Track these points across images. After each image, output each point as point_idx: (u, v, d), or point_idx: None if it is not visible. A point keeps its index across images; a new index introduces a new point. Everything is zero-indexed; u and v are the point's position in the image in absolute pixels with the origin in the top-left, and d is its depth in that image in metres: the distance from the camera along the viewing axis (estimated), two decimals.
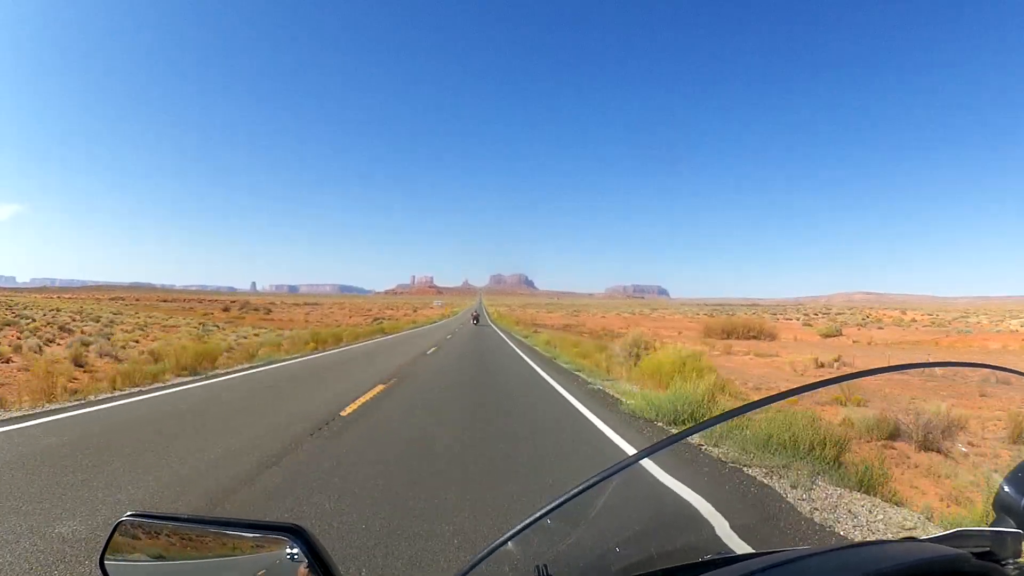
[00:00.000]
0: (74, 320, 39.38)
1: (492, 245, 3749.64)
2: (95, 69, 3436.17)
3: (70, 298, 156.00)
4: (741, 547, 3.30)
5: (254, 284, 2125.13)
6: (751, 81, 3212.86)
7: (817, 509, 4.18)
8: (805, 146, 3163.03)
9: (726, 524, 3.75)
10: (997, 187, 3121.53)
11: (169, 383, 10.41)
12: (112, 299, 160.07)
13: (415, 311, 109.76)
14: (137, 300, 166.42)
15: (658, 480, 4.65)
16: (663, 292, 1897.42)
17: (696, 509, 4.07)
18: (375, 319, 63.00)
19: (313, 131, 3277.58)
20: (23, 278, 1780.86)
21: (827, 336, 36.45)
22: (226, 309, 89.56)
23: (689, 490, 4.37)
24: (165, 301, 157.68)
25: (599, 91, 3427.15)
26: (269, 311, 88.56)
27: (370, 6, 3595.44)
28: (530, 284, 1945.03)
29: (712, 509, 4.03)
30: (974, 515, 3.78)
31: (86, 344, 19.31)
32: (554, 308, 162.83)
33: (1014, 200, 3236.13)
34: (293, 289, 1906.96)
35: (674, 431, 6.07)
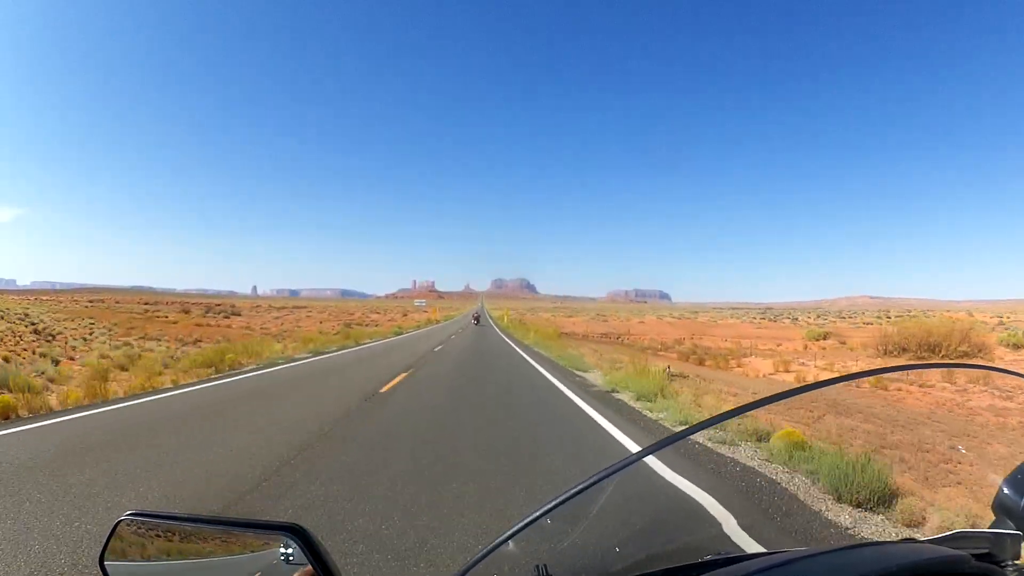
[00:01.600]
0: None
1: (493, 250, 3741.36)
2: (96, 72, 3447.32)
3: (47, 300, 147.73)
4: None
5: (255, 288, 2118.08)
6: (753, 85, 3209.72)
7: None
8: (805, 150, 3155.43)
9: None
10: (999, 189, 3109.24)
11: None
12: (91, 301, 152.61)
13: (404, 315, 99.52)
14: (117, 303, 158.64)
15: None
16: (664, 296, 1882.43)
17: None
18: (346, 324, 52.47)
19: (314, 136, 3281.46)
20: (24, 281, 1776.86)
21: (1018, 347, 26.13)
22: (186, 311, 79.50)
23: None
24: (147, 304, 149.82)
25: (600, 95, 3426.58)
26: (231, 315, 78.28)
27: (371, 12, 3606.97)
28: (531, 288, 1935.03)
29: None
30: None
31: None
32: (573, 312, 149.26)
33: (1016, 202, 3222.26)
34: (294, 293, 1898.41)
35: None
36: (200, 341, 26.00)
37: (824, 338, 31.41)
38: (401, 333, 40.11)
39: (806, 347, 26.43)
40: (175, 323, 48.71)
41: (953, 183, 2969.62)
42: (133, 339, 27.70)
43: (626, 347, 25.30)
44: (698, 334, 42.39)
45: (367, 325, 56.75)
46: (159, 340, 26.33)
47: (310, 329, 45.40)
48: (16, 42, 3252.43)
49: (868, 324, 51.00)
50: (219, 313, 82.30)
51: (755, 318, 76.11)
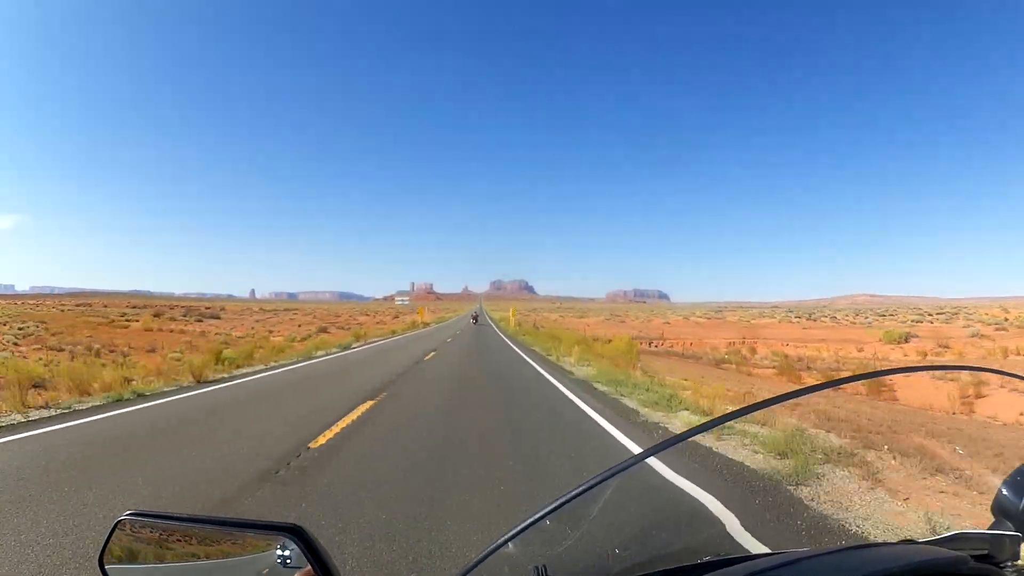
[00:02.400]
0: None
1: (491, 252, 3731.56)
2: (94, 77, 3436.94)
3: (32, 303, 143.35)
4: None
5: (253, 292, 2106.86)
6: (751, 85, 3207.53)
7: None
8: (804, 148, 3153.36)
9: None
10: (999, 186, 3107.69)
11: None
12: (77, 304, 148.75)
13: (395, 317, 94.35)
14: (105, 306, 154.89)
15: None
16: (663, 296, 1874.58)
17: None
18: (321, 329, 47.40)
19: (312, 139, 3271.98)
20: (23, 286, 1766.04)
21: None
22: (157, 315, 74.53)
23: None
24: (134, 307, 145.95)
25: (598, 96, 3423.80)
26: (210, 317, 73.18)
27: (369, 15, 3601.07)
28: (530, 289, 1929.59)
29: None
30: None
31: None
32: (582, 312, 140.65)
33: (1016, 198, 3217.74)
34: (292, 296, 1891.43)
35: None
36: (114, 351, 20.78)
37: (905, 340, 26.05)
38: (348, 348, 24.45)
39: (926, 355, 21.02)
40: (126, 327, 43.49)
41: (951, 180, 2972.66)
42: (33, 348, 22.55)
43: (691, 360, 18.67)
44: (749, 337, 36.63)
45: (348, 328, 51.58)
46: (63, 350, 21.20)
47: (281, 334, 40.39)
48: (14, 49, 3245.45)
49: (917, 322, 45.86)
50: (197, 316, 77.44)
51: (790, 318, 70.30)
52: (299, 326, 56.84)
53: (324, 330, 43.87)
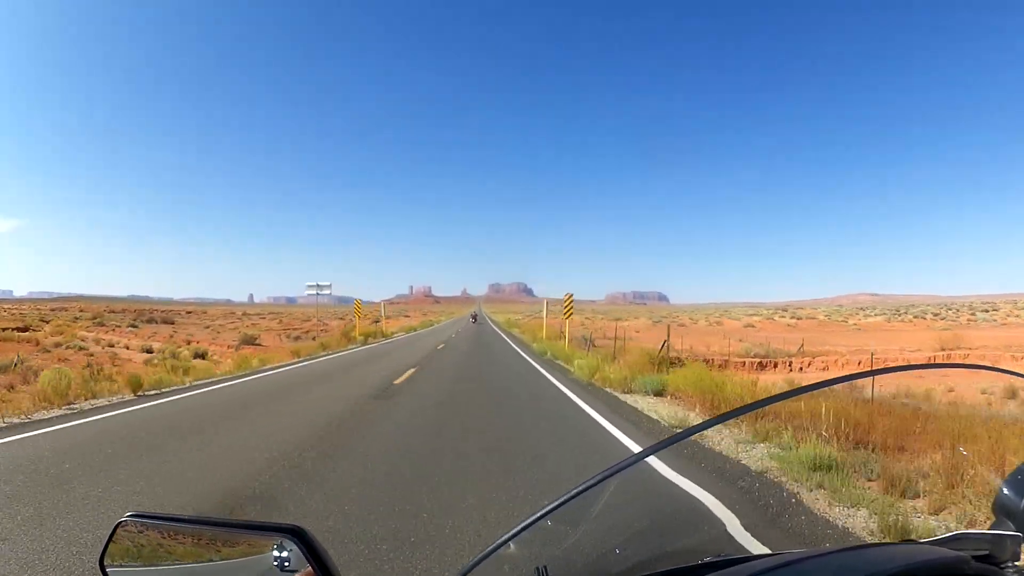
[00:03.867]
0: None
1: (490, 254, 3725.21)
2: (94, 80, 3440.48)
3: (8, 308, 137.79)
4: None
5: (251, 296, 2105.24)
6: (749, 84, 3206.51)
7: None
8: (804, 148, 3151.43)
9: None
10: (998, 184, 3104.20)
11: None
12: (53, 309, 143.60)
13: (375, 323, 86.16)
14: (82, 311, 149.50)
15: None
16: (663, 298, 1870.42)
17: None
18: (248, 339, 39.24)
19: (311, 142, 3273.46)
20: (20, 291, 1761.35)
21: None
22: (94, 318, 67.42)
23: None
24: (112, 312, 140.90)
25: (597, 98, 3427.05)
26: (153, 322, 65.51)
27: (364, 17, 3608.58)
28: (529, 292, 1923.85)
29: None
30: None
31: None
32: (610, 315, 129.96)
33: (1016, 196, 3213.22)
34: (291, 300, 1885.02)
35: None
36: None
37: None
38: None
39: None
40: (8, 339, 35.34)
41: (952, 178, 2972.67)
42: None
43: None
44: (950, 346, 27.68)
45: (303, 337, 43.41)
46: None
47: (203, 343, 32.19)
48: (12, 53, 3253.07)
49: (1019, 320, 37.68)
50: (144, 321, 70.59)
51: (886, 316, 61.38)
52: (237, 329, 48.73)
53: (252, 340, 35.62)
